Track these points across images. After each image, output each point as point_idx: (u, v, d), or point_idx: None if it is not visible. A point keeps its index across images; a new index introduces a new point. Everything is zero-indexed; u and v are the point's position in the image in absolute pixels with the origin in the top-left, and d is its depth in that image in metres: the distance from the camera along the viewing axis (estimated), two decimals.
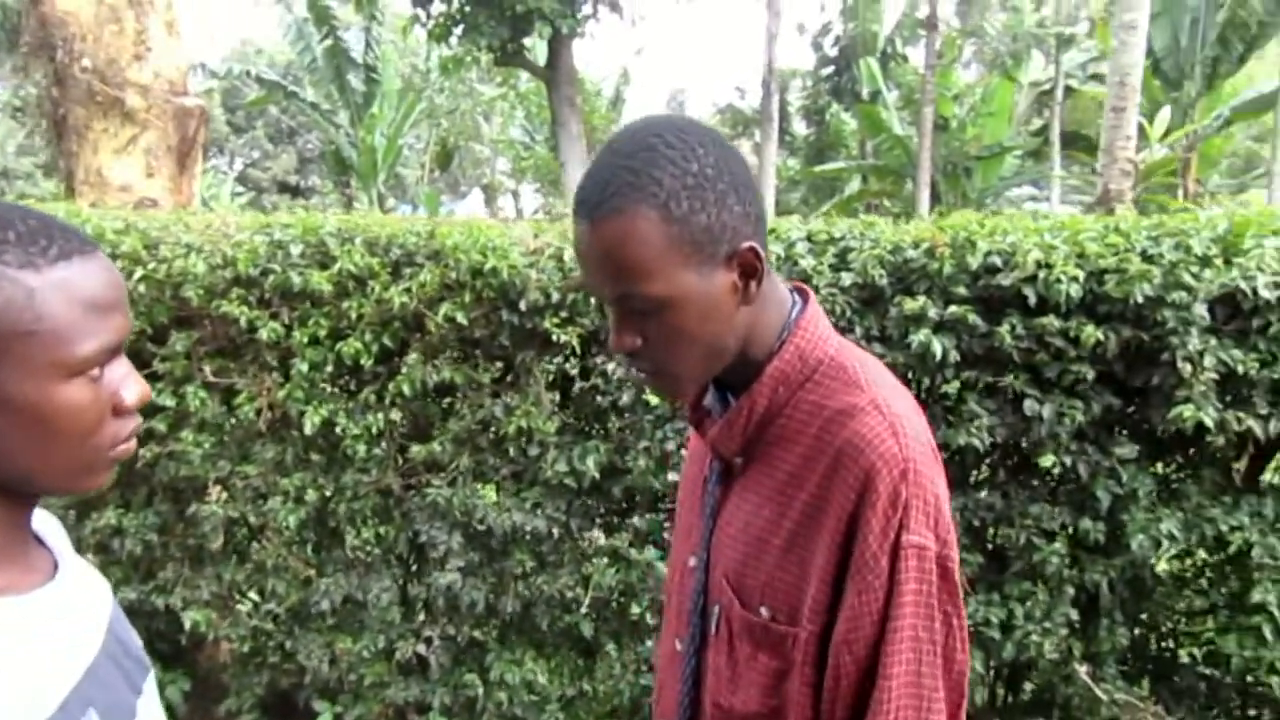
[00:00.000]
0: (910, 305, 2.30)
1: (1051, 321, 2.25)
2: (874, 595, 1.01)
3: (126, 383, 0.87)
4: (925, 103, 14.07)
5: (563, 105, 14.69)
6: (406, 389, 2.84)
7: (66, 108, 3.81)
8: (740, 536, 1.13)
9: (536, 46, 14.66)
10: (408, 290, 2.77)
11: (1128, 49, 6.31)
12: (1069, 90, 17.82)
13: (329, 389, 2.99)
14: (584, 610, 2.92)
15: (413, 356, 2.84)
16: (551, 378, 2.88)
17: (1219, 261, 2.18)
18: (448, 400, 2.94)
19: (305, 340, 2.87)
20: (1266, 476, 2.48)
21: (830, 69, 21.16)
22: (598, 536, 3.01)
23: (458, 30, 13.56)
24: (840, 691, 1.04)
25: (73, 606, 0.92)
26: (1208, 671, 2.60)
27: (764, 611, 1.09)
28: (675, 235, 1.01)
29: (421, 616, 3.13)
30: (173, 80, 4.00)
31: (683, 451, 2.66)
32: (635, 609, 3.00)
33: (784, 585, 1.08)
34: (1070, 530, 2.40)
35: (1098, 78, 18.32)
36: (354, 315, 2.86)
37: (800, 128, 23.46)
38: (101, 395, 0.85)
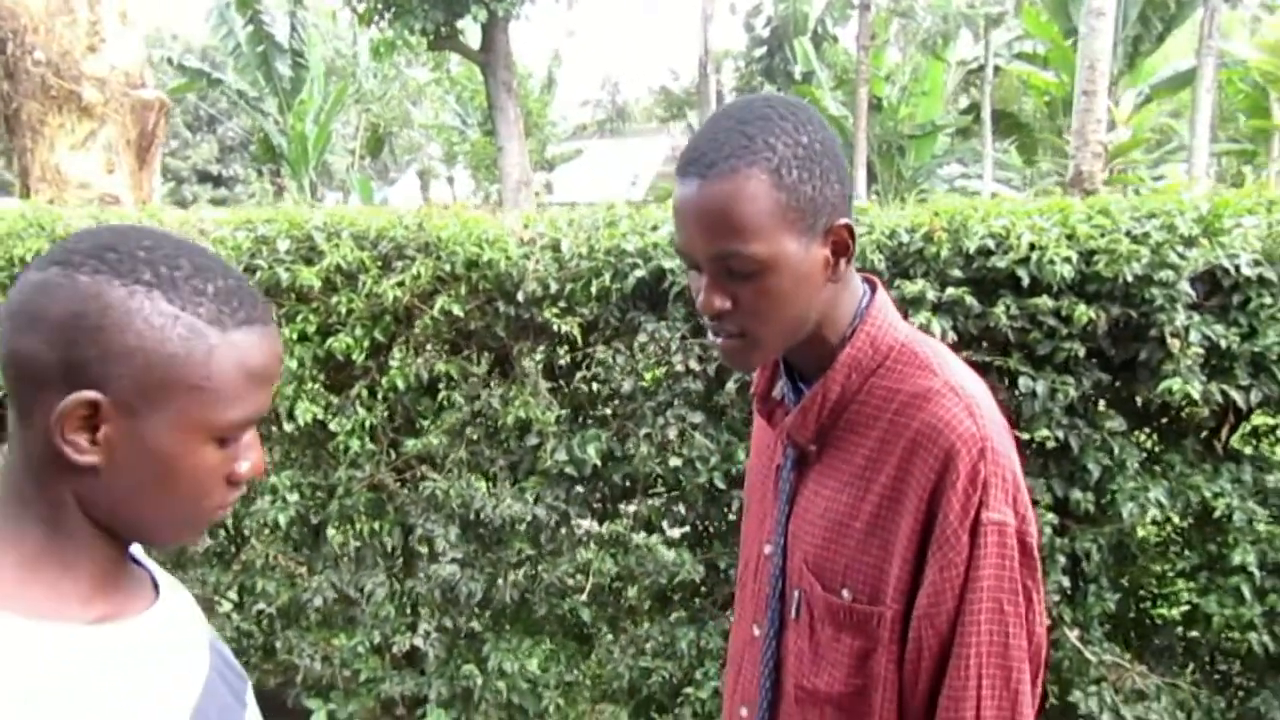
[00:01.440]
0: (910, 288, 2.36)
1: (1044, 301, 2.33)
2: (955, 571, 1.05)
3: (249, 454, 0.88)
4: (860, 83, 14.27)
5: (499, 90, 14.54)
6: (400, 383, 2.82)
7: (19, 102, 3.64)
8: (819, 522, 1.16)
9: (469, 29, 14.47)
10: (400, 284, 2.75)
11: (1097, 35, 6.53)
12: (995, 69, 18.24)
13: (318, 385, 2.96)
14: (583, 597, 2.94)
15: (405, 350, 2.83)
16: (547, 368, 2.89)
17: (1203, 240, 2.28)
18: (441, 393, 2.93)
19: (294, 337, 2.83)
20: (1236, 444, 2.61)
21: (762, 50, 21.32)
22: (595, 524, 3.04)
23: (388, 14, 13.31)
24: (922, 666, 1.08)
25: (180, 624, 0.92)
26: (1184, 632, 2.73)
27: (846, 594, 1.13)
28: (783, 201, 1.04)
29: (417, 610, 3.12)
30: (129, 72, 3.85)
31: (684, 437, 2.70)
32: (631, 593, 3.04)
33: (865, 567, 1.12)
34: (1062, 500, 2.50)
35: (1023, 56, 18.79)
36: (343, 310, 2.83)
37: None
38: (226, 462, 0.86)
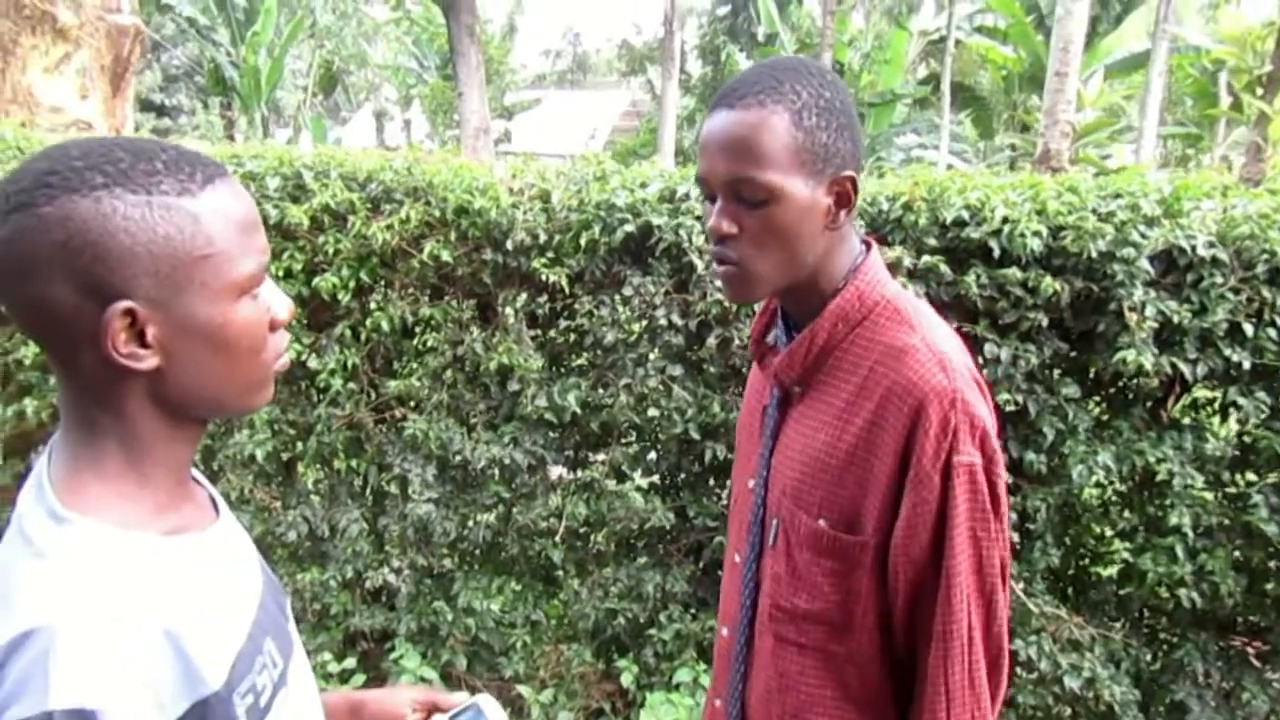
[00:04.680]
0: (888, 254, 2.47)
1: (1013, 272, 2.46)
2: (928, 508, 1.15)
3: (276, 299, 0.90)
4: (824, 47, 14.31)
5: (462, 33, 14.24)
6: (384, 324, 2.87)
7: None
8: (798, 457, 1.27)
9: None
10: (389, 227, 2.78)
11: (1072, 17, 6.70)
12: (956, 42, 18.38)
13: (301, 324, 2.98)
14: (556, 539, 3.04)
15: (391, 293, 2.87)
16: (529, 316, 2.95)
17: (1164, 221, 2.42)
18: (424, 336, 2.98)
19: (280, 274, 2.85)
20: (1177, 414, 2.78)
21: (727, 9, 21.16)
22: (566, 471, 3.13)
23: None
24: (899, 588, 1.20)
25: (238, 540, 0.97)
26: (1118, 588, 2.91)
27: (822, 522, 1.24)
28: (799, 140, 1.16)
29: (390, 547, 3.19)
30: None
31: (661, 388, 2.79)
32: (600, 538, 3.14)
33: (841, 500, 1.22)
34: (1017, 461, 2.64)
35: (983, 30, 18.95)
36: (330, 250, 2.85)
37: (694, 67, 23.47)
38: (263, 312, 0.88)
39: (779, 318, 1.35)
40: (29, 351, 3.24)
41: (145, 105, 31.40)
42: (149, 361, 0.81)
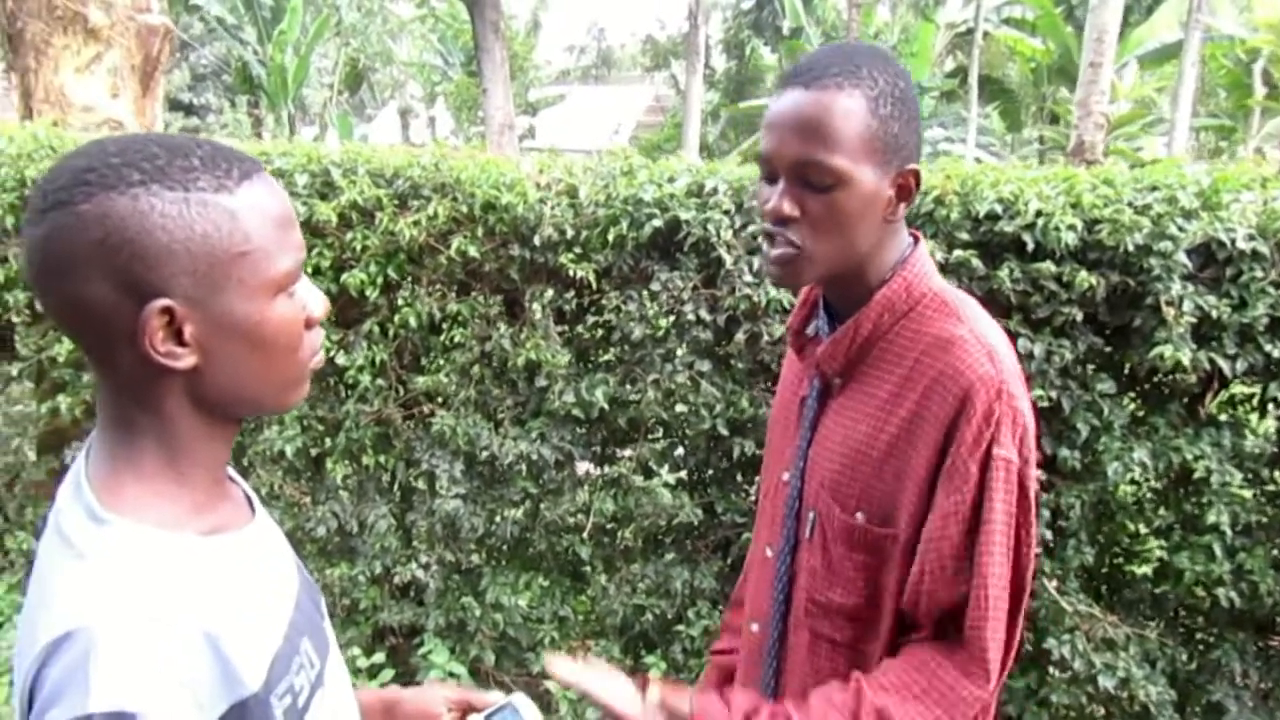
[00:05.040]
0: None
1: (1047, 266, 2.42)
2: (962, 499, 1.13)
3: (312, 296, 0.90)
4: (851, 39, 14.22)
5: (486, 30, 14.29)
6: (412, 320, 2.87)
7: (23, 22, 3.58)
8: (838, 449, 1.25)
9: None
10: (416, 223, 2.78)
11: (1106, 6, 6.59)
12: (983, 34, 18.20)
13: (329, 321, 3.00)
14: (584, 535, 3.04)
15: (419, 289, 2.87)
16: (556, 312, 2.94)
17: (1202, 214, 2.37)
18: (451, 332, 2.98)
19: (308, 271, 2.86)
20: (1214, 409, 2.73)
21: (751, 2, 21.10)
22: (593, 466, 3.12)
23: None
24: (925, 583, 1.17)
25: (275, 539, 0.97)
26: (1153, 586, 2.87)
27: (860, 516, 1.22)
28: (873, 128, 1.13)
29: (418, 543, 3.20)
30: None
31: (689, 382, 2.78)
32: (627, 534, 3.14)
33: (879, 493, 1.20)
34: (1050, 458, 2.61)
35: (1011, 22, 18.75)
36: (358, 246, 2.86)
37: (719, 62, 23.41)
38: (299, 309, 0.87)
39: (820, 308, 1.33)
40: (63, 349, 3.28)
41: (174, 104, 31.68)
42: (187, 360, 0.80)
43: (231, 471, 0.98)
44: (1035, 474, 1.19)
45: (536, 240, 2.74)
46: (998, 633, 1.16)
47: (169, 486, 0.84)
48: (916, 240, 1.27)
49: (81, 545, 0.78)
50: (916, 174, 1.18)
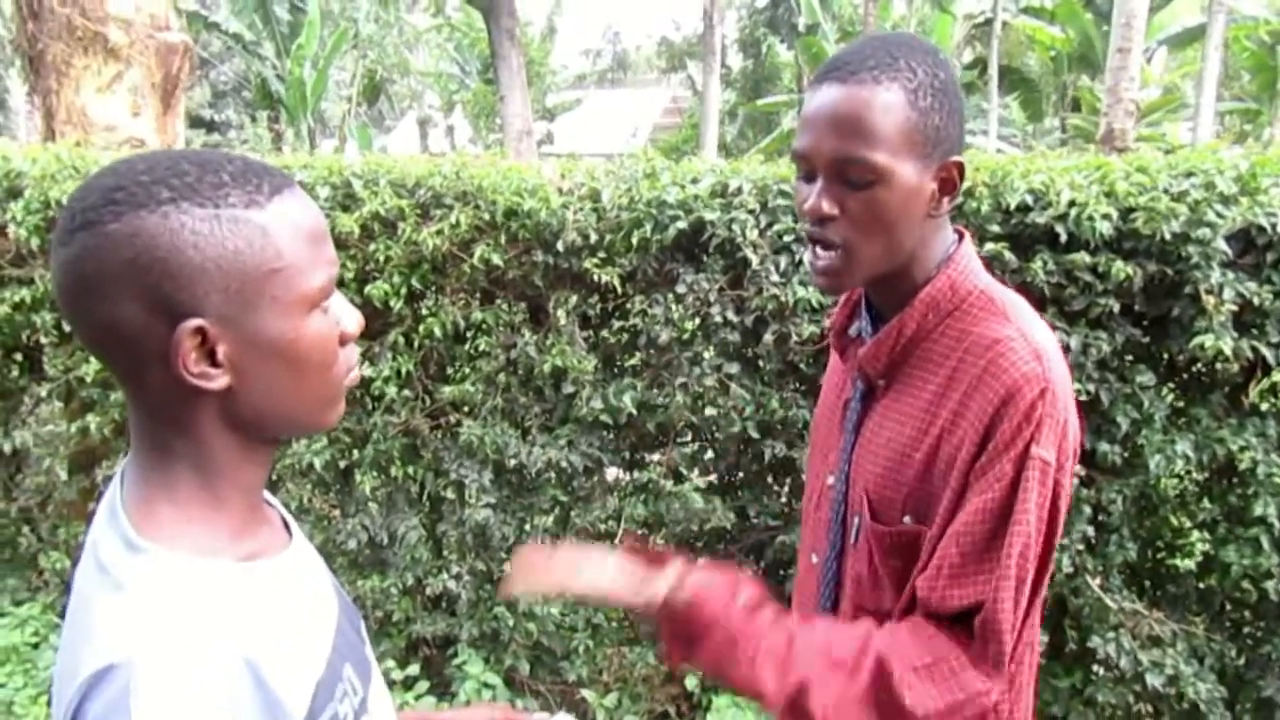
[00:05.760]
0: None
1: (1081, 257, 2.37)
2: (993, 495, 1.08)
3: (345, 312, 0.87)
4: (867, 34, 14.14)
5: (502, 37, 14.34)
6: (437, 330, 2.86)
7: (44, 43, 3.61)
8: (882, 452, 1.21)
9: None
10: (439, 232, 2.77)
11: None
12: (1002, 24, 18.05)
13: None
14: (616, 541, 3.01)
15: (441, 298, 2.86)
16: (581, 317, 2.92)
17: (1241, 199, 2.31)
18: (476, 341, 2.96)
19: None
20: (1255, 398, 2.67)
21: (766, 0, 21.04)
22: (622, 472, 3.10)
23: None
24: (942, 577, 1.12)
25: (313, 563, 0.95)
26: (1198, 581, 2.81)
27: (907, 520, 1.18)
28: (913, 121, 1.10)
29: (449, 553, 3.19)
30: (155, 14, 3.82)
31: (718, 385, 2.74)
32: (658, 540, 3.11)
33: (925, 495, 1.16)
34: (1089, 453, 2.55)
35: (1029, 11, 18.58)
36: (381, 258, 2.85)
37: (735, 61, 23.36)
38: (333, 326, 0.85)
39: (863, 308, 1.30)
40: (90, 368, 3.29)
41: (195, 121, 32.04)
42: (220, 381, 0.79)
43: (268, 494, 0.96)
44: (1071, 480, 1.14)
45: (560, 246, 2.72)
46: (1012, 633, 1.11)
47: (205, 511, 0.82)
48: (961, 237, 1.24)
49: (119, 575, 0.76)
50: (960, 166, 1.15)
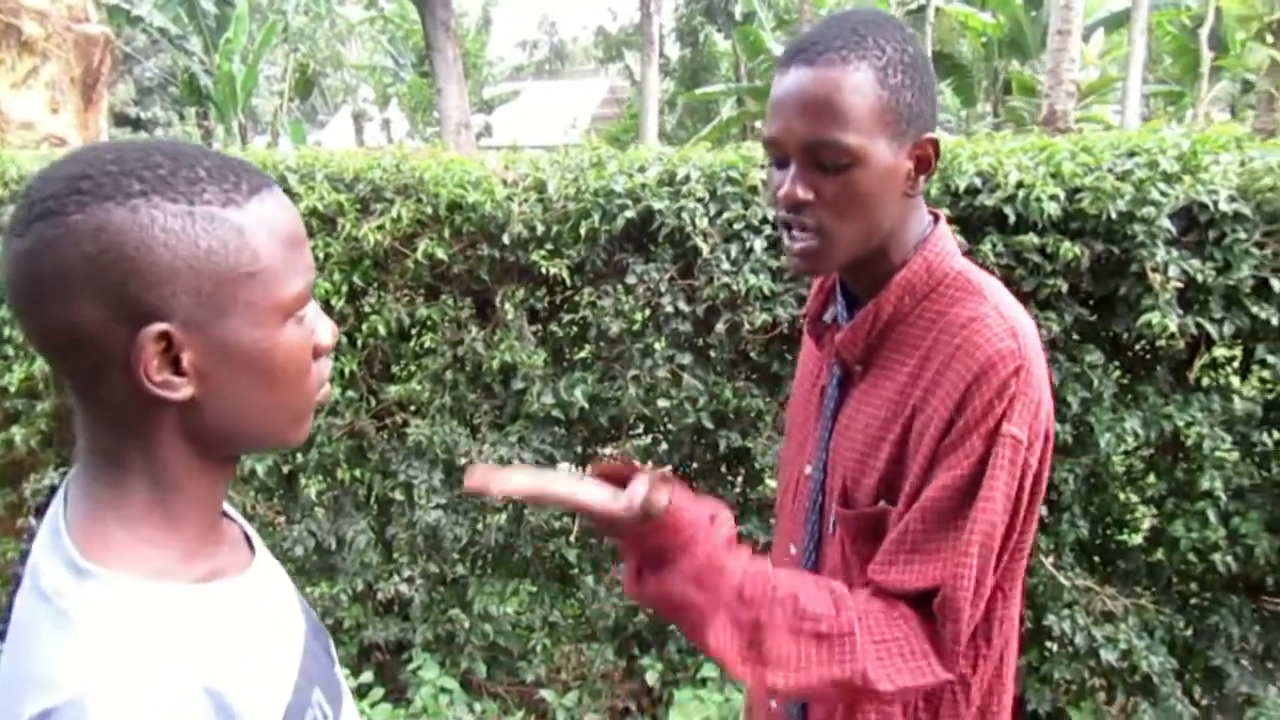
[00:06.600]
0: None
1: (1030, 239, 2.38)
2: (961, 472, 1.06)
3: (320, 323, 0.82)
4: (802, 24, 14.21)
5: (437, 29, 14.13)
6: (380, 328, 2.78)
7: None
8: (858, 438, 1.18)
9: None
10: (380, 227, 2.69)
11: None
12: (935, 10, 18.25)
13: None
14: (570, 538, 2.97)
15: (386, 295, 2.78)
16: (529, 311, 2.86)
17: (1184, 177, 2.33)
18: (422, 338, 2.89)
19: None
20: (1198, 374, 2.71)
21: None
22: (575, 467, 3.05)
23: None
24: (900, 551, 1.10)
25: (278, 581, 0.89)
26: (1146, 555, 2.85)
27: (883, 504, 1.15)
28: (884, 100, 1.07)
29: (400, 556, 3.12)
30: (72, 5, 3.64)
31: (670, 376, 2.71)
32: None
33: (898, 476, 1.14)
34: None
35: None
36: (320, 255, 2.76)
37: (673, 50, 23.34)
38: (308, 336, 0.80)
39: (838, 294, 1.27)
40: (14, 377, 3.15)
41: (120, 119, 31.08)
42: (184, 391, 0.73)
43: (229, 509, 0.90)
44: (1047, 461, 1.12)
45: (506, 239, 2.66)
46: (971, 614, 1.08)
47: (159, 532, 0.76)
48: (937, 219, 1.21)
49: (64, 603, 0.69)
50: (935, 143, 1.12)
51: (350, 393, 2.90)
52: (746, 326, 2.63)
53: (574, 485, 1.03)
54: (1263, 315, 2.35)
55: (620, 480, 1.05)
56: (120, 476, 0.75)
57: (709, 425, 2.72)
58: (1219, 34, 14.76)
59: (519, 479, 1.02)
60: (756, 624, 1.05)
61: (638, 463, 1.13)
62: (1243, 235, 2.33)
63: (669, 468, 2.96)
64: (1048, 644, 2.72)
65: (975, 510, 1.06)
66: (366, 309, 2.84)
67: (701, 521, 1.05)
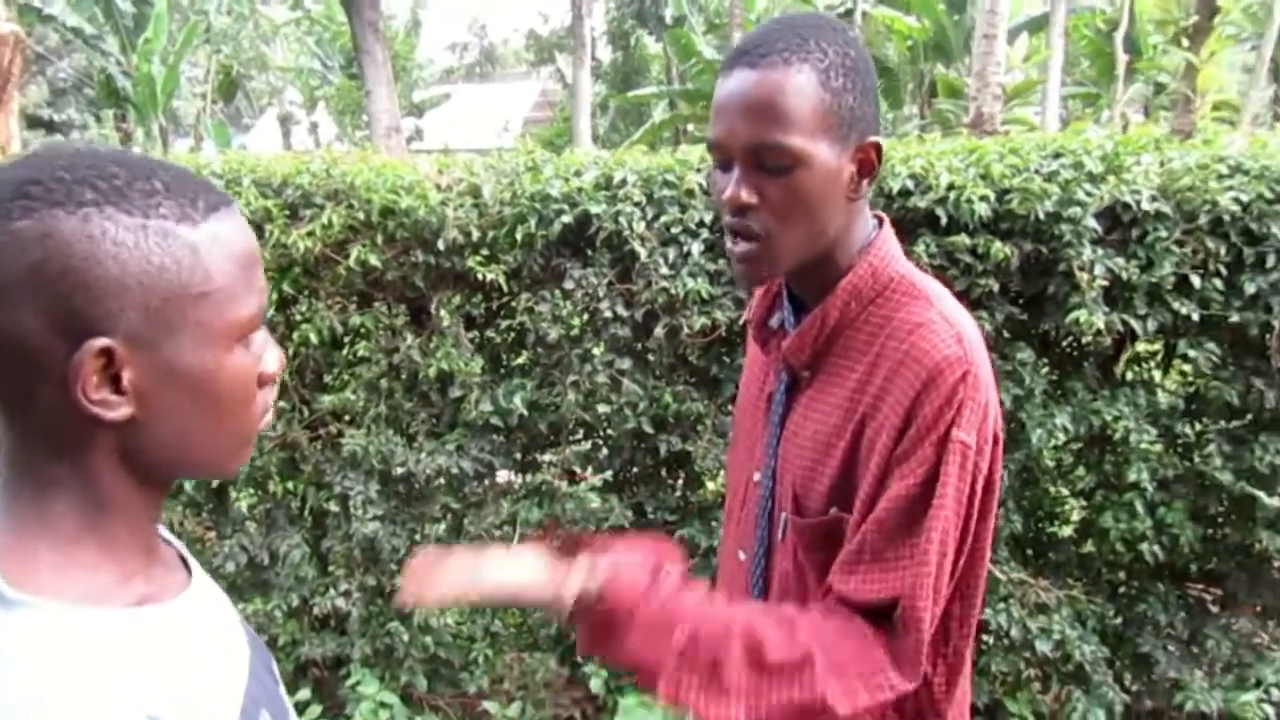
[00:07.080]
0: None
1: (962, 239, 2.42)
2: (914, 481, 1.07)
3: (268, 349, 0.80)
4: (733, 27, 14.34)
5: (365, 31, 13.89)
6: (312, 337, 2.71)
7: None
8: (807, 444, 1.18)
9: None
10: (310, 234, 2.63)
11: None
12: (861, 14, 18.54)
13: None
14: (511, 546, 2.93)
15: (317, 303, 2.71)
16: (465, 318, 2.82)
17: (1109, 177, 2.40)
18: (355, 346, 2.83)
19: None
20: (1120, 369, 2.79)
21: None
22: (514, 475, 3.02)
23: None
24: (859, 563, 1.10)
25: (217, 603, 0.86)
26: (1076, 547, 2.92)
27: (833, 511, 1.15)
28: (826, 103, 1.07)
29: (336, 570, 3.05)
30: None
31: (610, 380, 2.69)
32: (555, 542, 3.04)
33: (849, 484, 1.14)
34: None
35: (886, 1, 19.16)
36: None
37: (604, 53, 23.34)
38: (254, 362, 0.77)
39: (784, 299, 1.27)
40: None
41: (33, 121, 29.99)
42: (121, 411, 0.69)
43: (163, 529, 0.86)
44: (997, 463, 1.13)
45: (440, 244, 2.61)
46: (931, 624, 1.09)
47: (90, 555, 0.72)
48: (881, 222, 1.22)
49: None
50: (878, 146, 1.12)
51: (282, 403, 2.82)
52: (685, 330, 2.63)
53: (507, 576, 1.05)
54: (1183, 311, 2.42)
55: (561, 547, 1.08)
56: (49, 497, 0.71)
57: (649, 430, 2.71)
58: (1133, 38, 15.26)
59: (452, 581, 1.04)
60: (714, 663, 1.05)
61: (578, 535, 1.13)
62: (1164, 234, 2.40)
63: (609, 474, 2.95)
64: (984, 637, 2.77)
65: (929, 518, 1.07)
66: (297, 317, 2.77)
67: (641, 587, 1.06)
